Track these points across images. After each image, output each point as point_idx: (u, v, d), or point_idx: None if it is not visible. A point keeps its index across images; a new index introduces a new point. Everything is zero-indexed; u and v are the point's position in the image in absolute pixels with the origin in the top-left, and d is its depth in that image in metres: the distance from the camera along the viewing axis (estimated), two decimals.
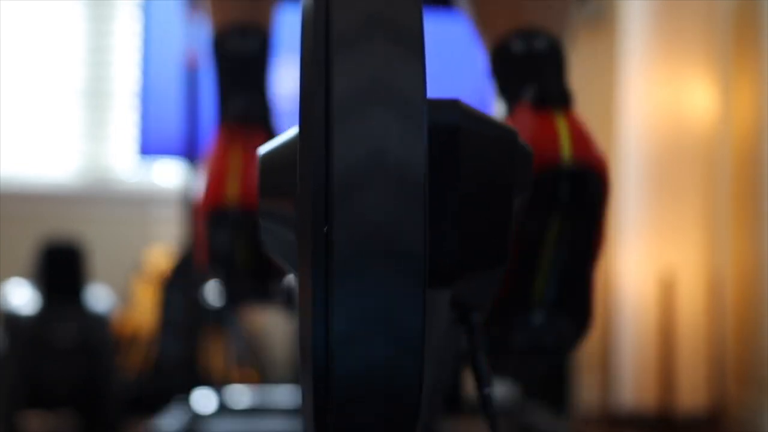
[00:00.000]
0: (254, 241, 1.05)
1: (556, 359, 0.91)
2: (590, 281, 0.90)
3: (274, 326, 2.81)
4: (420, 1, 0.56)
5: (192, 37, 2.19)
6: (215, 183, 1.07)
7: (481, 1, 1.01)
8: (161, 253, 2.75)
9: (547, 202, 0.84)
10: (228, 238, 1.06)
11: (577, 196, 0.85)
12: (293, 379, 2.57)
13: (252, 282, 1.09)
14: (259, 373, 2.65)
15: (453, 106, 0.63)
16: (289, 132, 0.67)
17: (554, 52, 0.93)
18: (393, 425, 0.56)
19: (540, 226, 0.85)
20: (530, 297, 0.87)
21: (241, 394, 2.21)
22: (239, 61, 1.12)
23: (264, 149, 0.68)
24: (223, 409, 2.12)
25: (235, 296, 1.11)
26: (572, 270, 0.88)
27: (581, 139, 0.88)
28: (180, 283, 2.56)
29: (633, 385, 2.60)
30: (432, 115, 0.62)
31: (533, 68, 0.92)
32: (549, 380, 2.25)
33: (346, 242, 0.53)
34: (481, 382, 0.67)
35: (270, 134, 1.13)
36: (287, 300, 1.12)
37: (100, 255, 2.69)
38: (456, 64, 2.33)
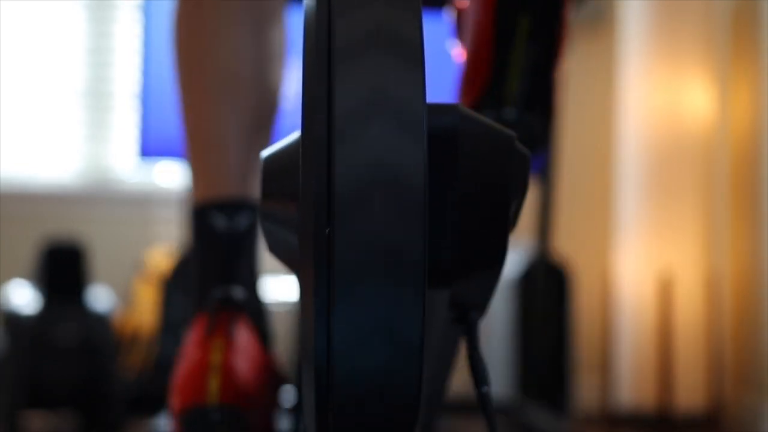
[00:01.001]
0: None
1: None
2: (554, 78, 0.94)
3: (274, 327, 2.82)
4: (420, 11, 0.57)
5: None
6: (194, 378, 0.95)
7: None
8: (162, 253, 2.76)
9: (516, 2, 0.90)
10: None
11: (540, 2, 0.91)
12: (293, 380, 2.58)
13: None
14: None
15: (452, 109, 0.64)
16: (292, 135, 0.68)
17: None
18: (392, 427, 0.57)
19: (510, 25, 0.90)
20: (503, 95, 0.91)
21: None
22: (225, 238, 1.04)
23: (267, 151, 0.69)
24: None
25: None
26: (541, 67, 0.92)
27: None
28: (181, 284, 2.57)
29: (632, 384, 2.61)
30: (431, 118, 0.63)
31: None
32: (548, 380, 2.26)
33: (348, 253, 0.54)
34: (479, 381, 0.68)
35: (259, 324, 1.04)
36: None
37: (101, 255, 2.70)
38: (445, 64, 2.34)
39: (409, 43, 0.56)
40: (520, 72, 0.91)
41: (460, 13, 1.09)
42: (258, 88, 1.10)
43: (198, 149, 1.11)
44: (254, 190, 1.08)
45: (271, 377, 1.03)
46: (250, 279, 1.07)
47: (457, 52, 1.08)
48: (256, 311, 1.07)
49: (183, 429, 0.96)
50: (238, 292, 1.01)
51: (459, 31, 1.09)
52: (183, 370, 0.98)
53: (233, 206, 1.05)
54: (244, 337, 1.00)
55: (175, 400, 0.98)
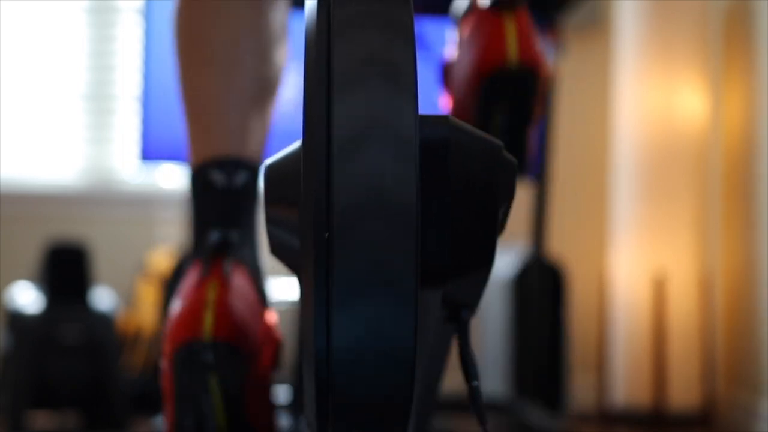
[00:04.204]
0: (230, 389, 0.93)
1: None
2: (527, 137, 1.05)
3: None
4: (412, 36, 0.61)
5: None
6: (188, 315, 0.95)
7: None
8: (163, 254, 2.79)
9: (493, 96, 1.02)
10: (200, 379, 0.92)
11: (519, 92, 1.02)
12: (292, 379, 2.61)
13: None
14: None
15: (443, 121, 0.68)
16: (293, 144, 0.72)
17: None
18: (388, 419, 0.61)
19: (485, 114, 1.03)
20: None
21: None
22: (223, 194, 1.05)
23: (270, 160, 0.73)
24: None
25: None
26: (515, 130, 1.04)
27: (525, 40, 1.02)
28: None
29: (626, 383, 2.64)
30: (424, 129, 0.67)
31: None
32: (543, 379, 2.28)
33: (345, 257, 0.58)
34: (470, 376, 0.72)
35: (253, 270, 1.03)
36: None
37: (103, 256, 2.73)
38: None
39: (402, 69, 0.60)
40: (496, 133, 1.03)
41: (448, 66, 1.17)
42: (258, 64, 1.12)
43: (196, 114, 1.12)
44: (253, 153, 1.08)
45: (267, 331, 1.01)
46: (248, 232, 1.06)
47: (444, 101, 1.15)
48: (254, 266, 1.05)
49: (175, 366, 0.94)
50: (235, 237, 1.02)
51: (446, 80, 1.15)
52: (177, 310, 0.97)
53: (232, 164, 1.05)
54: (240, 280, 1.00)
55: (168, 339, 0.96)
